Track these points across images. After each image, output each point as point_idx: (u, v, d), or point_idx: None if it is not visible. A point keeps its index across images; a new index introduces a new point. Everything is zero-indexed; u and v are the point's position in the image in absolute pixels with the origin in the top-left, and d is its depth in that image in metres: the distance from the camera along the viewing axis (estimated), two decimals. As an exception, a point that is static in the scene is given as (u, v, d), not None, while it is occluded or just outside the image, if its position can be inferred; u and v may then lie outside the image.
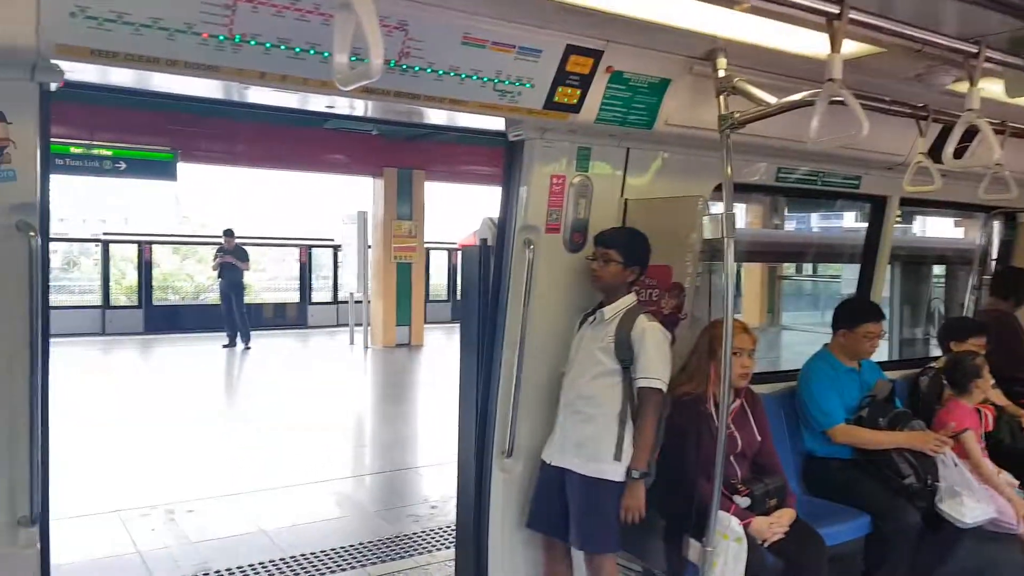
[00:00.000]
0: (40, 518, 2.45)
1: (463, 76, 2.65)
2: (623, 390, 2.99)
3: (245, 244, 13.97)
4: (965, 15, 2.53)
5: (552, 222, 3.23)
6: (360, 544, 4.54)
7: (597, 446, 2.98)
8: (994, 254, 6.02)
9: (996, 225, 5.99)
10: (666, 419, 3.08)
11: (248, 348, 12.69)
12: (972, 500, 3.63)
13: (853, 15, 2.32)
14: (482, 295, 3.50)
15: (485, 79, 2.69)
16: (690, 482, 3.09)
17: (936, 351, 4.79)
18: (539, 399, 3.31)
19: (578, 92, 2.87)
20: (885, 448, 3.74)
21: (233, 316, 12.83)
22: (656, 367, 2.95)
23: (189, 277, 19.58)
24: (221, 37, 2.29)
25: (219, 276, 13.10)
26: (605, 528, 3.01)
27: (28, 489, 2.42)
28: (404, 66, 2.54)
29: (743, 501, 3.20)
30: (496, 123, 3.07)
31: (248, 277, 14.08)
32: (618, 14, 2.47)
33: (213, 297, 15.61)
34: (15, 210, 2.32)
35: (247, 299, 13.82)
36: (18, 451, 2.41)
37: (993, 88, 2.99)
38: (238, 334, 12.80)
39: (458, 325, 3.47)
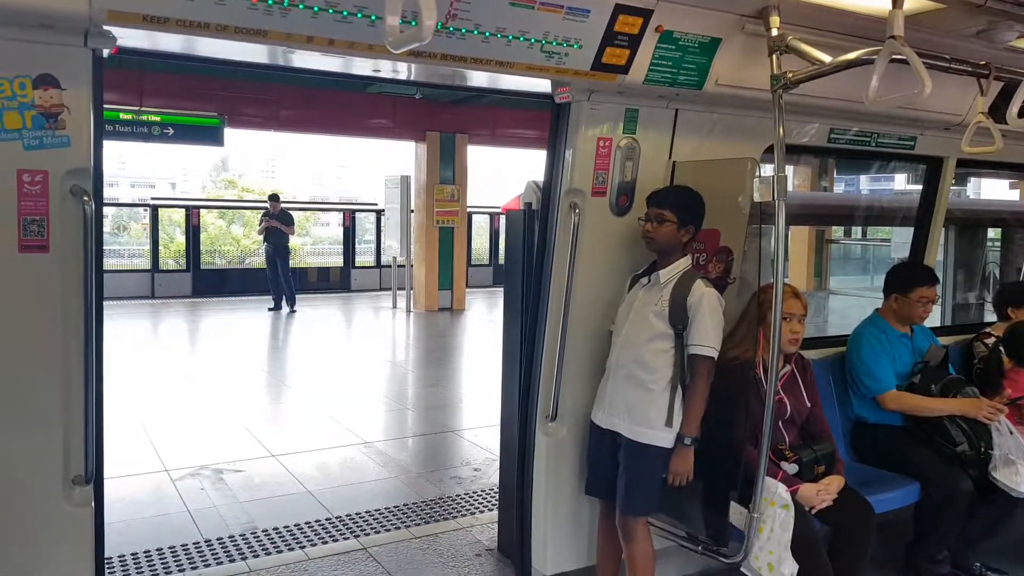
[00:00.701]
0: (94, 477, 2.52)
1: (510, 37, 2.62)
2: (675, 356, 2.94)
3: (290, 208, 14.14)
4: None
5: (598, 185, 3.20)
6: (404, 505, 4.61)
7: (648, 412, 2.96)
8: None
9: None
10: (712, 384, 3.06)
11: (293, 312, 12.91)
12: (1028, 469, 3.55)
13: None
14: (526, 259, 3.50)
15: (532, 40, 2.65)
16: (737, 448, 3.08)
17: (991, 316, 4.66)
18: (583, 363, 3.31)
19: (627, 52, 2.81)
20: (937, 415, 3.67)
21: (279, 280, 13.04)
22: (710, 335, 2.90)
23: (235, 241, 19.93)
24: (270, 2, 2.31)
25: (264, 240, 13.30)
26: (648, 493, 3.02)
27: (83, 449, 2.49)
28: (451, 28, 2.52)
29: (791, 468, 3.19)
30: (542, 85, 3.03)
31: (293, 241, 14.29)
32: None
33: (259, 261, 15.91)
34: (70, 175, 2.36)
35: (292, 263, 14.01)
36: (73, 411, 2.47)
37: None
38: (283, 298, 13.02)
39: (500, 289, 3.48)
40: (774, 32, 2.73)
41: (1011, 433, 3.61)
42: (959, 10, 2.68)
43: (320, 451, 5.70)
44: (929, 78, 2.26)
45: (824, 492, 3.14)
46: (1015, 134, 3.30)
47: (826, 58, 2.64)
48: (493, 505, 4.48)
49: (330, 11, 2.38)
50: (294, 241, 15.08)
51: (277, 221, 12.87)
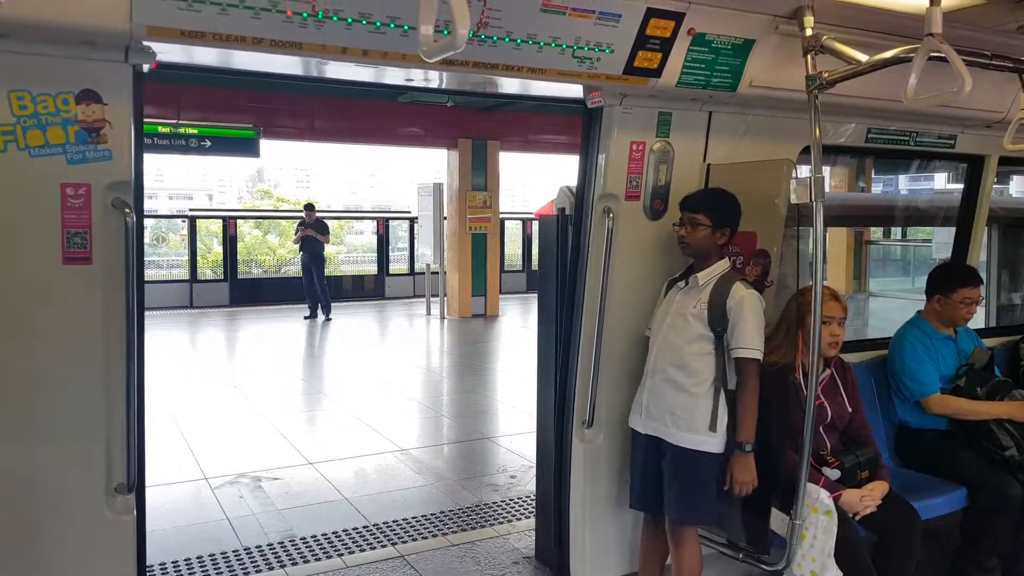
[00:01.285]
0: (136, 485, 2.56)
1: (542, 44, 2.63)
2: (716, 359, 2.90)
3: (325, 217, 14.30)
4: None
5: (632, 189, 3.19)
6: (441, 512, 4.61)
7: (692, 416, 2.91)
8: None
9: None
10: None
11: (329, 320, 13.03)
12: (1080, 474, 3.45)
13: None
14: (560, 264, 3.49)
15: (564, 46, 2.66)
16: (777, 453, 3.03)
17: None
18: (619, 369, 3.29)
19: (659, 56, 2.81)
20: (984, 419, 3.58)
21: (314, 288, 13.17)
22: (753, 337, 2.86)
23: (271, 251, 20.21)
24: (304, 14, 2.34)
25: (300, 249, 13.46)
26: (700, 499, 2.96)
27: (124, 457, 2.53)
28: (483, 36, 2.54)
29: (833, 473, 3.13)
30: (574, 91, 3.03)
31: (328, 249, 14.44)
32: None
33: (294, 270, 16.10)
34: (111, 188, 2.42)
35: (327, 271, 14.16)
36: (115, 421, 2.52)
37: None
38: (319, 306, 13.16)
39: (533, 295, 3.47)
40: (808, 32, 2.71)
41: (1061, 437, 3.52)
42: (998, 5, 2.63)
43: (357, 458, 5.73)
44: (969, 75, 2.21)
45: (868, 498, 3.09)
46: (1057, 130, 3.22)
47: (862, 57, 2.60)
48: (530, 512, 4.47)
49: (363, 22, 2.42)
50: (329, 250, 15.24)
51: (312, 230, 13.01)
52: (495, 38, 2.56)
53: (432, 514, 4.58)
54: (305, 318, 13.09)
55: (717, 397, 2.90)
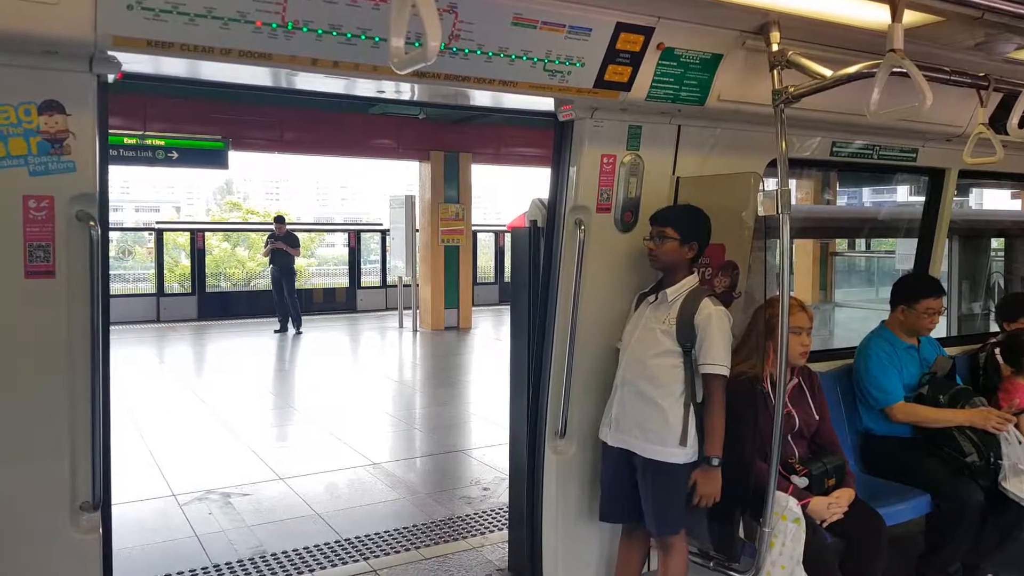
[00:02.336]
0: (102, 503, 2.50)
1: (513, 57, 2.65)
2: (685, 372, 2.93)
3: (295, 230, 14.20)
4: None
5: (603, 202, 3.21)
6: (413, 526, 4.59)
7: (662, 430, 2.93)
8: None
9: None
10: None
11: (299, 333, 12.92)
12: (1038, 479, 3.54)
13: None
14: (533, 276, 3.51)
15: (535, 59, 2.68)
16: (746, 462, 3.07)
17: (995, 326, 4.67)
18: (591, 380, 3.31)
19: (629, 70, 2.84)
20: (946, 426, 3.67)
21: (284, 301, 13.06)
22: (720, 353, 2.89)
23: (240, 264, 19.99)
24: (274, 25, 2.33)
25: (270, 262, 13.34)
26: (676, 509, 2.99)
27: (90, 475, 2.47)
28: (454, 48, 2.55)
29: (801, 481, 3.17)
30: (545, 104, 3.06)
31: (298, 262, 14.33)
32: None
33: (264, 283, 15.94)
34: (75, 200, 2.36)
35: (297, 284, 14.04)
36: (79, 438, 2.46)
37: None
38: (289, 319, 13.04)
39: (506, 307, 3.47)
40: (775, 47, 2.76)
41: (1020, 443, 3.61)
42: (957, 23, 2.70)
43: (328, 473, 5.68)
44: (930, 90, 2.27)
45: (835, 505, 3.13)
46: (1015, 144, 3.31)
47: (827, 72, 2.66)
48: (503, 525, 4.47)
49: (334, 33, 2.41)
50: (300, 262, 15.12)
51: (282, 243, 12.92)
52: (466, 51, 2.58)
53: (405, 528, 4.56)
54: (275, 332, 12.96)
55: (687, 411, 2.93)
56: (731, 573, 3.13)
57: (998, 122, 3.25)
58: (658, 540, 3.09)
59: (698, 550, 3.22)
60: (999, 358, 4.17)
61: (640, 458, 3.00)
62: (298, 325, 13.04)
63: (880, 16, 2.45)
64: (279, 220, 13.47)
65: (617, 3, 2.63)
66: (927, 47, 2.97)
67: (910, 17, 2.57)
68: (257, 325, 13.74)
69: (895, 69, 2.34)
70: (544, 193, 3.39)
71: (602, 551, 3.46)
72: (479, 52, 2.60)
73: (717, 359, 2.89)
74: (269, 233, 13.48)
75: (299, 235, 14.09)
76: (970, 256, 8.67)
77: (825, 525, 3.10)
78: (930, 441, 3.71)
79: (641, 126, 3.19)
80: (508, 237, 17.70)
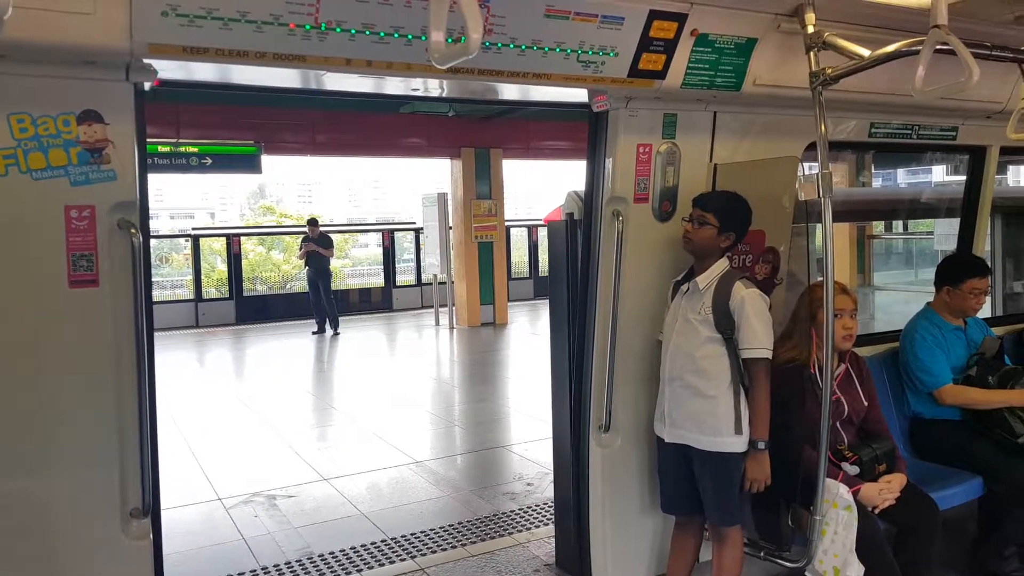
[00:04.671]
0: (151, 509, 2.53)
1: (546, 49, 2.64)
2: (730, 360, 2.89)
3: (328, 231, 14.35)
4: None
5: (640, 192, 3.20)
6: (459, 523, 4.59)
7: (716, 420, 2.91)
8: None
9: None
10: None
11: (337, 334, 13.04)
12: (1095, 459, 3.46)
13: None
14: (571, 269, 3.50)
15: (568, 51, 2.67)
16: (795, 450, 3.04)
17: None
18: (634, 372, 3.30)
19: (663, 58, 2.82)
20: (996, 407, 3.59)
21: (321, 303, 13.19)
22: (760, 336, 2.86)
23: (276, 267, 20.24)
24: (307, 26, 2.34)
25: (305, 265, 13.49)
26: (735, 500, 2.97)
27: (139, 481, 2.50)
28: (487, 43, 2.55)
29: (851, 468, 3.13)
30: (579, 95, 3.05)
31: (333, 263, 14.46)
32: None
33: (300, 286, 16.12)
34: (116, 209, 2.39)
35: (333, 285, 14.18)
36: (127, 444, 2.49)
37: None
38: (326, 320, 13.18)
39: (541, 302, 3.45)
40: (810, 29, 2.72)
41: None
42: (993, -3, 2.65)
43: (371, 472, 5.72)
44: (976, 66, 2.23)
45: (887, 491, 3.09)
46: (1056, 118, 3.23)
47: (864, 52, 2.62)
48: (548, 520, 4.46)
49: (367, 32, 2.42)
50: (335, 263, 15.26)
51: (316, 245, 13.05)
52: (500, 44, 2.58)
53: (450, 525, 4.57)
54: (313, 333, 13.10)
55: (737, 398, 2.90)
56: (783, 563, 3.11)
57: (1039, 97, 3.18)
58: (714, 531, 3.07)
59: (748, 540, 3.20)
60: None
61: (696, 450, 2.98)
62: (335, 326, 13.17)
63: (916, -6, 2.42)
64: (312, 223, 13.61)
65: (649, -10, 2.62)
66: (965, 23, 2.91)
67: (948, -7, 2.52)
68: (295, 327, 13.88)
69: (939, 46, 2.29)
70: (578, 185, 3.39)
71: (652, 543, 3.45)
72: (512, 46, 2.60)
73: (756, 343, 2.85)
74: (303, 236, 13.63)
75: (333, 236, 14.22)
76: (1013, 234, 8.48)
77: (877, 511, 3.06)
78: (980, 423, 3.63)
79: (676, 114, 3.17)
80: (542, 232, 17.65)
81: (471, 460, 6.17)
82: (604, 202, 3.19)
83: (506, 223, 14.75)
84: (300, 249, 13.46)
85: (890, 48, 2.55)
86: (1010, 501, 3.47)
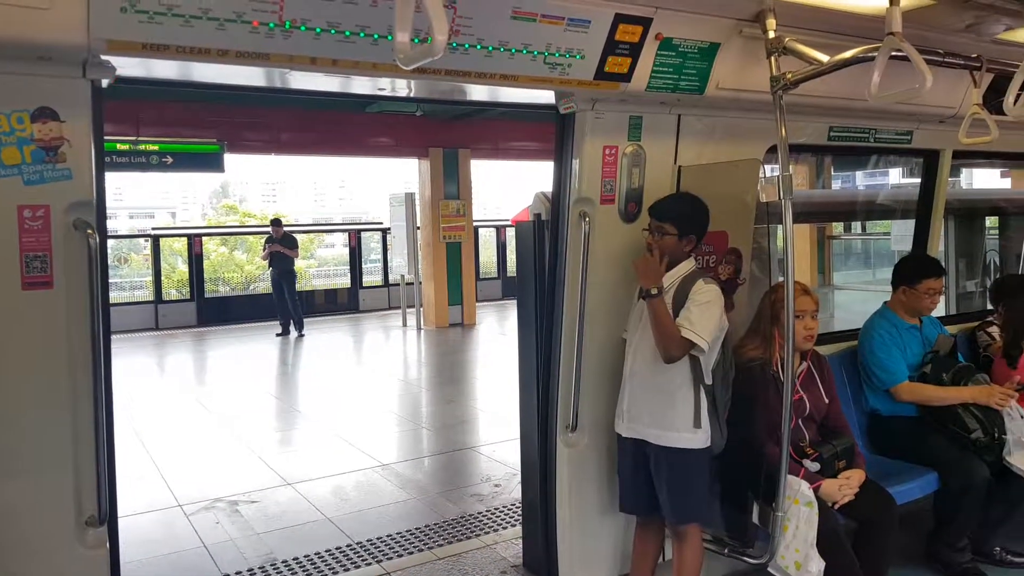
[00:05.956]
0: (107, 518, 2.47)
1: (513, 51, 2.65)
2: (690, 357, 2.92)
3: (293, 231, 14.20)
4: None
5: (607, 193, 3.23)
6: (425, 526, 4.57)
7: (674, 416, 2.94)
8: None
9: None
10: (732, 385, 3.06)
11: (302, 336, 12.92)
12: (1040, 452, 3.58)
13: None
14: (538, 270, 3.52)
15: (535, 53, 2.68)
16: (758, 448, 3.09)
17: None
18: (601, 371, 3.32)
19: (628, 61, 2.85)
20: (950, 404, 3.70)
21: (285, 304, 13.05)
22: (692, 321, 2.84)
23: (239, 268, 19.96)
24: (271, 25, 2.31)
25: (269, 265, 13.34)
26: (692, 497, 3.00)
27: (94, 489, 2.43)
28: (454, 43, 2.55)
29: (812, 465, 3.19)
30: (546, 97, 3.07)
31: (298, 264, 14.31)
32: None
33: (264, 287, 15.92)
34: (72, 208, 2.33)
35: (298, 287, 14.04)
36: (83, 451, 2.42)
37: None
38: (291, 322, 13.04)
39: (509, 302, 3.45)
40: (771, 35, 2.78)
41: (1022, 418, 3.66)
42: (947, 6, 2.73)
43: (336, 476, 5.66)
44: (930, 72, 2.29)
45: (846, 486, 3.15)
46: (1008, 124, 3.33)
47: (823, 57, 2.68)
48: (516, 521, 4.46)
49: (332, 31, 2.40)
50: (299, 264, 15.10)
51: (280, 245, 12.91)
52: (467, 45, 2.58)
53: (416, 528, 4.54)
54: (277, 335, 12.95)
55: (697, 395, 2.94)
56: (746, 559, 3.15)
57: (989, 103, 3.28)
58: (673, 529, 3.11)
59: (712, 537, 3.25)
60: (991, 336, 4.20)
61: (654, 447, 3.01)
62: (300, 328, 13.04)
63: (873, 1, 2.47)
64: (276, 223, 13.47)
65: (615, -6, 2.65)
66: (919, 30, 2.99)
67: (904, 1, 2.58)
68: (258, 329, 13.70)
69: (894, 52, 2.35)
70: (546, 186, 3.41)
71: (618, 543, 3.47)
72: (479, 47, 2.60)
73: (686, 323, 2.84)
74: (267, 236, 13.48)
75: (298, 236, 14.07)
76: (965, 235, 8.72)
77: (837, 507, 3.12)
78: (935, 419, 3.74)
79: (642, 116, 3.20)
80: (511, 232, 17.65)
81: (438, 462, 6.15)
82: (571, 203, 3.21)
83: (474, 223, 14.74)
84: (264, 249, 13.31)
85: (847, 54, 2.62)
86: (963, 494, 3.57)
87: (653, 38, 2.83)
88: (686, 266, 3.02)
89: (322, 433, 7.02)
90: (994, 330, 4.23)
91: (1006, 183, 13.51)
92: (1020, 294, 4.18)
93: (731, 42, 2.99)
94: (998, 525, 3.79)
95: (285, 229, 13.47)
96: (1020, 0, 2.57)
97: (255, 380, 9.72)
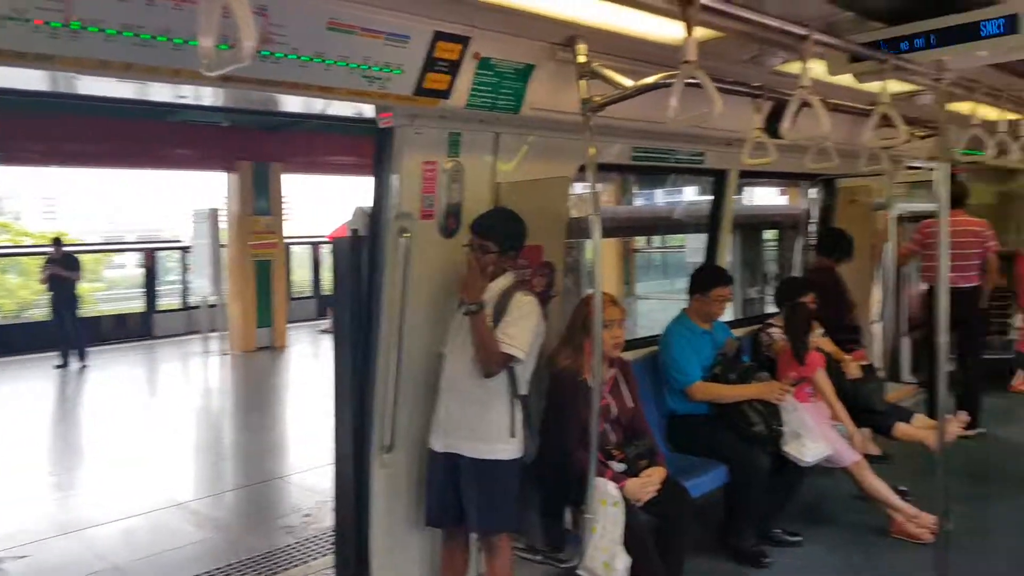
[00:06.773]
0: None
1: (328, 62, 2.58)
2: (506, 370, 2.99)
3: (78, 251, 12.90)
4: (786, 5, 2.77)
5: (427, 208, 3.23)
6: (228, 565, 4.30)
7: (489, 427, 2.99)
8: (816, 217, 6.64)
9: (817, 192, 6.65)
10: (545, 394, 3.16)
11: (85, 366, 11.72)
12: (811, 441, 4.02)
13: (704, 1, 2.45)
14: (356, 287, 3.42)
15: (352, 65, 2.63)
16: (569, 455, 3.19)
17: (773, 308, 5.16)
18: (419, 389, 3.29)
19: (448, 78, 2.87)
20: (737, 400, 4.04)
21: (66, 332, 11.81)
22: (512, 333, 2.95)
23: (11, 293, 17.84)
24: (56, 24, 2.11)
25: (48, 289, 12.03)
26: (503, 507, 3.03)
27: None
28: (266, 52, 2.44)
29: (619, 466, 3.35)
30: (366, 110, 3.02)
31: (82, 287, 12.99)
32: (483, 0, 2.50)
33: (41, 313, 14.27)
34: None
35: (81, 312, 12.72)
36: None
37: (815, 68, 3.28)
38: (72, 352, 11.81)
39: (325, 322, 3.30)
40: (581, 59, 2.90)
41: (795, 410, 4.07)
42: (736, 39, 3.00)
43: (124, 520, 5.17)
44: (720, 98, 2.51)
45: (648, 484, 3.31)
46: (785, 147, 3.72)
47: (628, 82, 2.85)
48: (328, 549, 4.29)
49: (127, 34, 2.22)
50: (84, 287, 13.69)
51: (60, 267, 11.68)
52: (279, 55, 2.49)
53: (218, 569, 4.26)
54: (56, 367, 11.62)
55: (512, 407, 3.01)
56: (557, 564, 3.24)
57: (768, 127, 3.64)
58: (483, 541, 3.14)
59: (525, 546, 3.31)
60: (771, 336, 4.61)
61: (466, 459, 3.03)
62: (83, 357, 11.82)
63: (673, 32, 2.67)
64: (56, 242, 12.20)
65: (435, 12, 2.66)
66: (711, 60, 3.26)
67: (698, 33, 2.81)
68: (35, 361, 12.15)
69: (689, 80, 2.55)
70: (366, 201, 3.35)
71: (431, 559, 3.44)
72: (294, 56, 2.52)
73: (503, 336, 2.93)
74: (48, 256, 12.15)
75: (83, 256, 12.80)
76: (749, 247, 9.66)
77: (640, 504, 3.27)
78: (724, 416, 4.07)
79: (461, 133, 3.24)
80: (327, 249, 17.08)
81: (242, 496, 5.79)
82: (391, 218, 3.18)
83: (287, 240, 14.16)
84: (42, 272, 11.97)
85: (649, 80, 2.81)
86: (748, 483, 3.92)
87: (471, 57, 2.87)
88: (504, 280, 3.09)
89: (107, 473, 6.38)
90: (774, 331, 4.61)
91: (784, 200, 15.10)
92: (799, 295, 4.62)
93: (545, 64, 3.10)
94: (778, 509, 4.19)
95: (66, 249, 12.22)
96: (794, 36, 2.88)
97: (29, 417, 8.64)
